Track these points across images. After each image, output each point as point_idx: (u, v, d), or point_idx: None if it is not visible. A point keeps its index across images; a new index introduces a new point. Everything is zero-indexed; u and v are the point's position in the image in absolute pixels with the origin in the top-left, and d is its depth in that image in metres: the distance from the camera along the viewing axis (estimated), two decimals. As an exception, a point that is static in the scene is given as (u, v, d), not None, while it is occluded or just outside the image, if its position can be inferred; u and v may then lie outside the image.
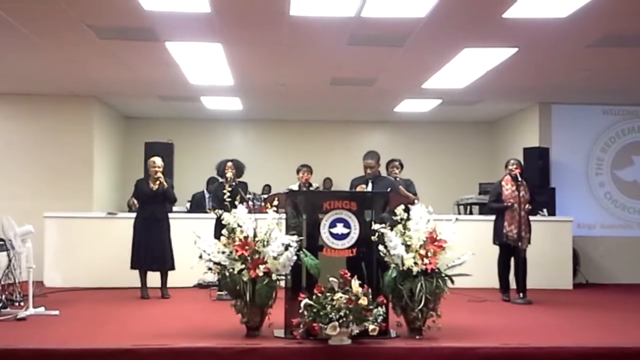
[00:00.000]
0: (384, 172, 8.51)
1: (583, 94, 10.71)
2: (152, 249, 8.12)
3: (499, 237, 8.26)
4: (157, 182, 8.15)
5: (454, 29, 7.19)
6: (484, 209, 10.41)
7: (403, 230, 5.71)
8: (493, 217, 8.45)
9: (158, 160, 8.30)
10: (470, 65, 8.65)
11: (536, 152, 10.95)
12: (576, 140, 11.38)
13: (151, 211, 8.18)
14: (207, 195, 10.85)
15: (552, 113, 11.41)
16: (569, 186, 11.24)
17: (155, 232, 8.14)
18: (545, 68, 8.91)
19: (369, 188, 7.34)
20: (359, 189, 7.28)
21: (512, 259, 8.29)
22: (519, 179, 8.15)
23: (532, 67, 8.82)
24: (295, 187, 8.59)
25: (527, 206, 8.08)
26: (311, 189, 8.81)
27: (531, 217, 8.35)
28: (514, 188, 8.16)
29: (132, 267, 8.22)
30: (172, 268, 8.25)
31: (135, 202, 8.59)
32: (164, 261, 8.17)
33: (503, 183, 8.30)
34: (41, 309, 6.85)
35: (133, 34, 7.42)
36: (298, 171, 9.05)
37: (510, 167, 8.29)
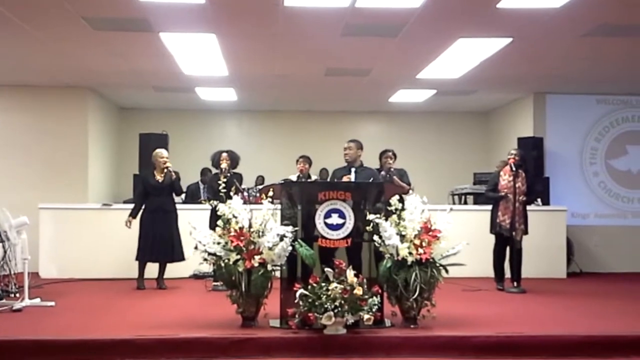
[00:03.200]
0: (377, 163, 8.53)
1: (577, 84, 10.72)
2: (162, 241, 8.07)
3: (493, 226, 8.29)
4: (164, 174, 8.17)
5: (448, 19, 7.18)
6: (478, 199, 10.44)
7: (398, 221, 5.74)
8: (489, 207, 8.47)
9: (165, 152, 8.38)
10: (464, 56, 8.65)
11: (530, 142, 10.95)
12: (570, 129, 11.39)
13: (159, 203, 8.15)
14: (201, 187, 10.86)
15: (547, 103, 11.42)
16: (563, 176, 11.27)
17: (164, 224, 8.11)
18: (540, 58, 8.91)
19: (352, 178, 7.21)
20: (345, 179, 7.16)
21: (508, 249, 8.33)
22: (513, 168, 8.16)
23: (527, 57, 8.82)
24: (294, 178, 8.59)
25: (521, 197, 8.10)
26: (309, 180, 8.80)
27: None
28: (510, 178, 8.15)
29: (140, 258, 8.16)
30: (183, 259, 8.13)
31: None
32: (173, 252, 8.12)
33: (501, 173, 8.30)
34: (37, 300, 6.86)
35: (127, 24, 7.39)
36: (297, 162, 9.05)
37: (507, 157, 8.30)
